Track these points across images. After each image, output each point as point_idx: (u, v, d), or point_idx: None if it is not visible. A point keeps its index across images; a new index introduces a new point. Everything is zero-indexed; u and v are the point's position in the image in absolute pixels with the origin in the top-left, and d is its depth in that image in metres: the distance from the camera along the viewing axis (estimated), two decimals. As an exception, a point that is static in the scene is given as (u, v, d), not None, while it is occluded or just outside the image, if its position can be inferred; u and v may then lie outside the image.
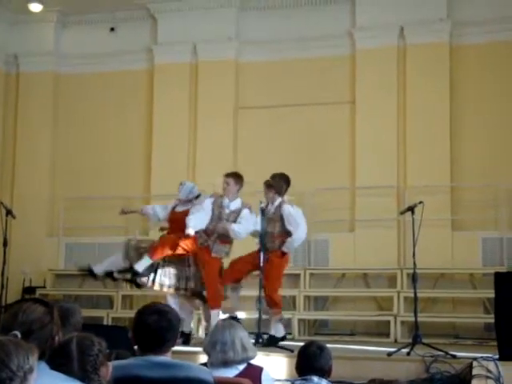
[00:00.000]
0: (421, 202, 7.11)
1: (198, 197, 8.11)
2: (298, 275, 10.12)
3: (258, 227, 7.53)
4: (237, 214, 7.68)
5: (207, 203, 7.77)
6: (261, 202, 7.65)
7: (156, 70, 11.65)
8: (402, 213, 7.65)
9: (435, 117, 10.39)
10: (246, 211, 7.72)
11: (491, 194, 10.10)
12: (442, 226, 9.94)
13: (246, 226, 7.67)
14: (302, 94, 11.08)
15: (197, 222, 7.63)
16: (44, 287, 11.15)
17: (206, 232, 7.74)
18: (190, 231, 7.52)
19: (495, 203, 10.05)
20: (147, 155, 11.59)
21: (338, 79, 10.97)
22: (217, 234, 7.73)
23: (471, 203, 10.16)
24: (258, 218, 7.58)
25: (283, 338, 7.62)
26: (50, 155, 12.02)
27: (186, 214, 7.78)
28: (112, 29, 11.94)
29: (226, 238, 7.78)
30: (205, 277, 7.72)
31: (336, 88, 10.98)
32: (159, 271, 7.89)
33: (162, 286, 7.88)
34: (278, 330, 7.67)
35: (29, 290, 10.93)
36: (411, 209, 7.20)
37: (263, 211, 7.58)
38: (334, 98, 10.98)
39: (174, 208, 8.16)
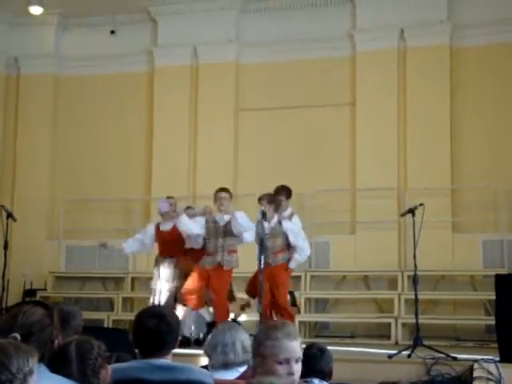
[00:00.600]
0: (421, 204, 7.11)
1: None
2: (298, 277, 10.09)
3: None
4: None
5: (201, 221, 7.85)
6: (262, 205, 7.67)
7: (156, 72, 11.65)
8: (403, 215, 7.65)
9: (435, 119, 10.39)
10: (236, 213, 7.75)
11: (491, 196, 10.09)
12: (442, 228, 9.93)
13: (246, 220, 7.68)
14: (302, 95, 11.08)
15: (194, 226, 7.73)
16: (45, 290, 11.14)
17: (208, 252, 7.77)
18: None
19: (496, 205, 10.04)
20: (148, 157, 11.59)
21: (338, 81, 10.97)
22: (222, 244, 7.74)
23: (472, 205, 10.15)
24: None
25: None
26: (50, 157, 12.03)
27: (173, 233, 7.94)
28: (112, 31, 11.91)
29: (231, 247, 7.81)
30: (217, 298, 7.74)
31: (336, 90, 10.98)
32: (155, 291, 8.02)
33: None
34: None
35: (29, 293, 10.92)
36: (412, 211, 7.19)
37: (264, 214, 7.59)
38: (334, 100, 10.98)
39: (157, 227, 8.23)
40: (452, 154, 10.34)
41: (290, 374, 2.72)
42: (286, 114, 11.09)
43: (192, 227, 7.75)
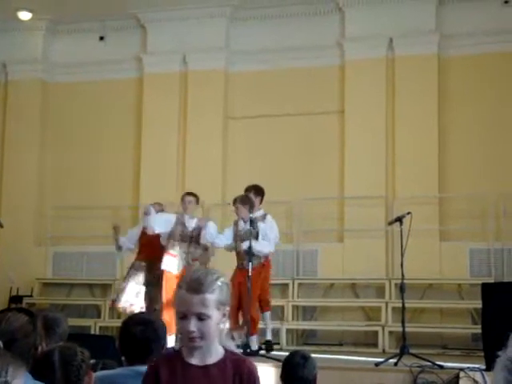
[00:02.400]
0: (409, 213, 7.14)
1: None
2: (286, 285, 10.12)
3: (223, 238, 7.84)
4: (198, 230, 7.84)
5: (172, 218, 7.97)
6: (250, 213, 7.70)
7: (145, 79, 11.64)
8: (391, 223, 7.67)
9: (423, 127, 10.43)
10: (207, 223, 7.95)
11: (479, 204, 10.13)
12: (430, 237, 9.95)
13: (215, 230, 7.94)
14: (291, 103, 11.10)
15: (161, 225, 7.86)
16: (31, 296, 11.09)
17: (173, 255, 7.83)
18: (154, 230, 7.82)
19: (483, 214, 10.08)
20: (136, 165, 11.57)
21: (327, 89, 11.00)
22: (187, 251, 7.79)
23: (459, 214, 10.19)
24: (229, 231, 7.90)
25: (257, 352, 7.55)
26: (38, 164, 11.97)
27: (157, 236, 8.03)
28: (101, 38, 11.89)
29: (195, 256, 7.90)
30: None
31: (325, 98, 11.01)
32: (128, 289, 8.02)
33: (130, 305, 8.00)
34: (252, 344, 7.62)
35: (16, 299, 10.86)
36: (399, 219, 7.22)
37: (252, 222, 7.61)
38: (323, 108, 11.00)
39: (143, 230, 8.33)
40: (440, 162, 10.38)
41: (189, 331, 2.43)
42: (275, 122, 11.11)
43: (154, 224, 7.82)
